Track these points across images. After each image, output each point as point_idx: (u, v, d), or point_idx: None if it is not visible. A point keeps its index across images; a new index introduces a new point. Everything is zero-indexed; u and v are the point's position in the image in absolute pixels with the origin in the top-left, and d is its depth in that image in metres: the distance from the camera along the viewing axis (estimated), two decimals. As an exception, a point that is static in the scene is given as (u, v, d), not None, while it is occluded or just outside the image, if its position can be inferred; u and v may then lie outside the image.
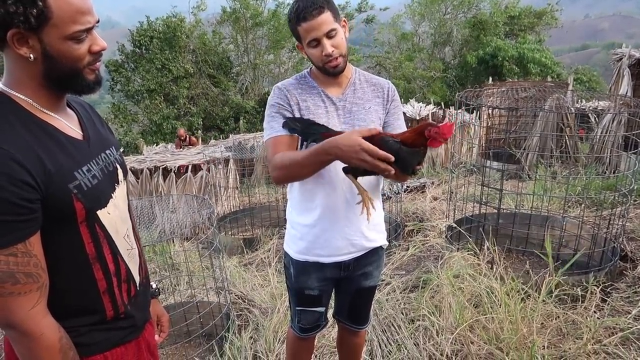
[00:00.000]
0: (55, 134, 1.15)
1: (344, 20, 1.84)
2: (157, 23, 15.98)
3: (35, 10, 1.02)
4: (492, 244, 3.31)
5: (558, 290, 2.94)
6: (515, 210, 4.26)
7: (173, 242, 5.31)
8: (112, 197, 1.26)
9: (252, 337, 3.32)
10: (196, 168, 6.58)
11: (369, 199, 1.67)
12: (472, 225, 3.94)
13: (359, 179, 1.68)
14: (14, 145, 1.04)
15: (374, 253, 2.01)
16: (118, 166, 1.33)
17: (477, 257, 3.34)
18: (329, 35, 1.75)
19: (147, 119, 15.22)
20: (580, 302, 2.99)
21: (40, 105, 1.14)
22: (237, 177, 7.17)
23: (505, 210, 4.16)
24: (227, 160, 7.41)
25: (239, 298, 3.86)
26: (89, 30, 1.11)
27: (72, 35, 1.08)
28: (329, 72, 1.82)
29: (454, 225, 3.84)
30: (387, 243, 2.10)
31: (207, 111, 15.32)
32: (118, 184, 1.31)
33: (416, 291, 3.45)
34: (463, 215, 4.21)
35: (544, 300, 2.82)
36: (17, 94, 1.12)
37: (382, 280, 3.78)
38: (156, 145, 9.53)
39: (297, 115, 1.88)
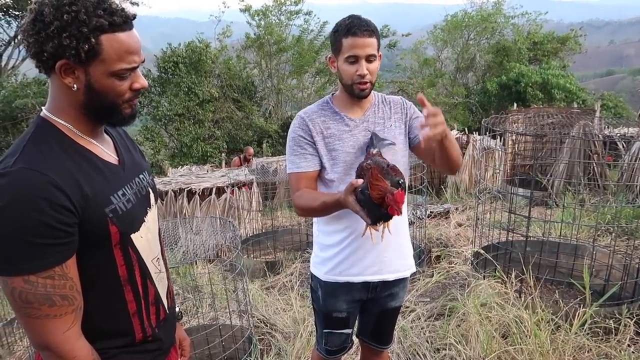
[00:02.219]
0: (93, 159, 1.19)
1: (380, 55, 1.91)
2: (180, 49, 16.39)
3: (87, 46, 1.07)
4: (520, 272, 3.24)
5: (590, 322, 2.85)
6: (543, 238, 4.17)
7: (196, 263, 5.34)
8: (144, 221, 1.28)
9: (274, 362, 3.29)
10: (220, 191, 6.65)
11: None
12: (499, 252, 3.86)
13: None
14: (54, 170, 1.07)
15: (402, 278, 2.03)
16: (150, 190, 1.36)
17: (505, 286, 3.27)
18: (369, 59, 1.81)
19: (177, 141, 15.50)
20: (613, 335, 2.89)
21: (80, 131, 1.18)
22: (260, 200, 7.21)
23: (532, 238, 4.08)
24: (250, 183, 7.48)
25: (261, 322, 3.84)
26: (133, 69, 1.16)
27: (117, 72, 1.12)
28: (354, 93, 1.86)
29: (481, 252, 3.78)
30: (413, 269, 2.11)
31: (231, 134, 15.56)
32: (150, 207, 1.34)
33: (441, 319, 3.38)
34: (489, 242, 4.14)
35: (575, 332, 2.74)
36: (58, 119, 1.16)
37: (407, 307, 3.73)
38: (181, 168, 9.68)
39: (320, 144, 1.92)
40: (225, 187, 6.63)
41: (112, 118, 1.21)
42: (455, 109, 18.58)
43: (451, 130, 8.56)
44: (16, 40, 14.96)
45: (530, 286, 3.20)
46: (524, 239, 3.71)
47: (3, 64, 14.92)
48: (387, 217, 1.57)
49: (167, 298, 1.39)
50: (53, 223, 1.04)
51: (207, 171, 8.43)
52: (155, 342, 1.33)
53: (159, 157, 15.39)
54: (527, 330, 2.71)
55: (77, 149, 1.17)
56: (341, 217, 1.91)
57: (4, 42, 14.90)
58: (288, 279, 4.89)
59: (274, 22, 17.98)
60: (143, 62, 1.19)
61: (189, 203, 6.56)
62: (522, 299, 3.05)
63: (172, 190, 6.60)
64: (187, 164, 11.46)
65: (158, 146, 15.93)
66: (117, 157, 1.28)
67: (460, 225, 5.59)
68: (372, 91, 1.97)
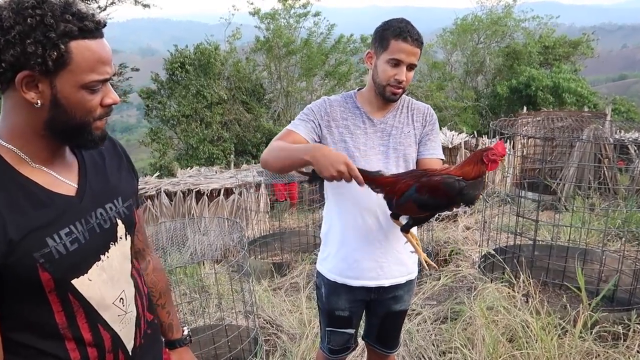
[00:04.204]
0: (35, 193, 1.03)
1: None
2: (187, 50, 16.47)
3: (55, 54, 0.94)
4: (528, 277, 3.22)
5: (598, 327, 2.82)
6: (551, 242, 4.14)
7: (204, 264, 5.36)
8: (99, 260, 1.12)
9: (279, 363, 3.29)
10: (228, 192, 6.68)
11: (425, 257, 1.74)
12: (506, 256, 3.84)
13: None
14: None
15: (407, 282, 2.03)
16: (119, 221, 1.18)
17: (512, 289, 3.24)
18: (411, 66, 1.83)
19: (184, 142, 15.58)
20: (622, 341, 2.85)
21: (30, 157, 1.03)
22: (268, 201, 7.23)
23: (541, 242, 4.05)
24: (258, 185, 7.50)
25: (267, 323, 3.85)
26: (104, 82, 1.03)
27: (88, 84, 1.00)
28: (384, 95, 1.87)
29: (488, 255, 3.76)
30: (417, 272, 2.11)
31: (240, 136, 15.61)
32: (116, 242, 1.17)
33: (448, 322, 3.37)
34: (497, 246, 4.12)
35: (583, 337, 2.71)
36: (4, 143, 1.01)
37: (413, 310, 3.71)
38: (190, 169, 9.73)
39: (333, 130, 1.93)
40: (234, 188, 6.66)
41: (80, 139, 1.06)
42: (465, 113, 18.51)
43: (459, 133, 8.53)
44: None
45: (537, 290, 3.18)
46: (532, 242, 3.69)
47: None
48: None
49: (135, 338, 1.22)
50: None
51: (216, 172, 8.48)
52: None
53: (167, 159, 15.48)
54: (534, 335, 2.69)
55: (18, 182, 1.01)
56: (348, 212, 1.94)
57: None
58: (295, 280, 4.90)
59: (282, 24, 18.04)
60: (114, 75, 1.07)
61: (197, 204, 6.60)
62: (529, 303, 3.02)
63: (180, 191, 6.64)
64: (193, 166, 11.50)
65: (163, 148, 16.01)
66: (76, 185, 1.11)
67: (468, 228, 5.57)
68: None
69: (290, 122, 2.06)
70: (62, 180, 1.09)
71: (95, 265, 1.10)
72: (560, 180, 6.17)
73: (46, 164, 1.07)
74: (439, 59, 21.62)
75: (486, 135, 8.39)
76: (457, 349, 2.82)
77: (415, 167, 1.93)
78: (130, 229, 1.23)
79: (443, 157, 1.97)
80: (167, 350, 1.46)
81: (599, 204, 5.52)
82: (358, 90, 2.02)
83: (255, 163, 12.58)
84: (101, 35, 1.02)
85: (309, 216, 6.68)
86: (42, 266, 1.00)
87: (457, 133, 8.50)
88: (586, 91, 17.35)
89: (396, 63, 1.80)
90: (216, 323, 3.71)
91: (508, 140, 6.89)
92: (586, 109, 11.93)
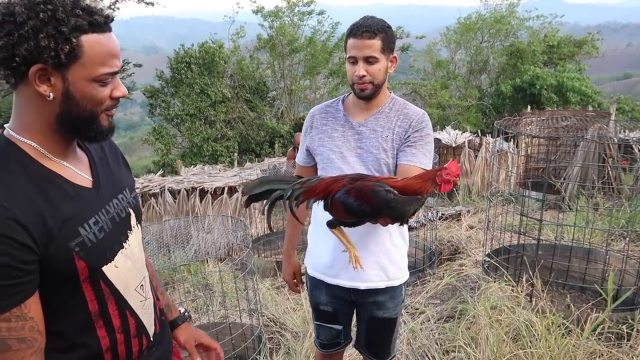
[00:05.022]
0: (62, 184, 1.07)
1: (394, 57, 1.90)
2: (192, 49, 16.48)
3: (67, 47, 0.97)
4: (531, 276, 3.22)
5: (602, 327, 2.82)
6: (555, 241, 4.14)
7: (207, 262, 5.37)
8: (122, 248, 1.17)
9: (283, 361, 3.31)
10: (232, 190, 6.69)
11: (354, 253, 1.62)
12: (510, 255, 3.84)
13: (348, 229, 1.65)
14: (16, 203, 0.96)
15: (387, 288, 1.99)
16: (131, 211, 1.23)
17: (516, 289, 3.25)
18: (368, 60, 1.81)
19: (188, 140, 15.62)
20: (625, 341, 2.85)
21: (49, 151, 1.06)
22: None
23: (544, 242, 4.05)
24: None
25: (270, 321, 3.86)
26: (114, 74, 1.07)
27: (98, 77, 1.03)
28: (355, 93, 1.90)
29: (492, 254, 3.76)
30: (405, 281, 2.05)
31: (243, 135, 15.64)
32: (131, 230, 1.22)
33: (451, 321, 3.37)
34: (500, 245, 4.12)
35: (587, 337, 2.71)
36: (24, 139, 1.04)
37: (416, 309, 3.72)
38: (193, 167, 9.76)
39: (314, 138, 1.99)
40: (237, 187, 6.67)
41: (89, 131, 1.09)
42: (468, 111, 18.47)
43: (463, 132, 8.52)
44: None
45: (541, 290, 3.18)
46: (536, 242, 3.68)
47: None
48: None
49: (154, 324, 1.28)
50: (11, 263, 0.94)
51: (220, 170, 8.49)
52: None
53: (171, 157, 15.51)
54: (538, 334, 2.69)
55: (44, 174, 1.04)
56: (319, 214, 1.92)
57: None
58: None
59: (286, 23, 18.03)
60: (122, 68, 1.10)
61: (201, 202, 6.62)
62: (533, 302, 3.03)
63: (184, 189, 6.66)
64: (197, 164, 11.53)
65: (167, 146, 16.05)
66: (91, 179, 1.15)
67: (471, 227, 5.57)
68: (391, 97, 1.97)
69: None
70: (79, 173, 1.13)
71: (120, 252, 1.16)
72: (564, 179, 6.16)
73: (64, 158, 1.10)
74: (443, 58, 21.56)
75: (490, 135, 8.38)
76: (461, 348, 2.83)
77: (392, 174, 1.89)
78: (139, 218, 1.28)
79: (426, 167, 1.84)
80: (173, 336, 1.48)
81: (602, 204, 5.51)
82: (349, 94, 2.03)
83: (258, 161, 12.60)
84: (109, 30, 1.05)
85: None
86: (78, 254, 1.04)
87: (460, 132, 8.49)
88: (590, 90, 17.29)
89: (353, 60, 1.83)
90: (220, 321, 3.73)
91: (512, 139, 6.89)
92: (590, 108, 11.89)
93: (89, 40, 1.00)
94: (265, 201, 1.56)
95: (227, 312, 3.98)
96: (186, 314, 1.52)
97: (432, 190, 1.43)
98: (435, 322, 3.42)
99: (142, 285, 1.24)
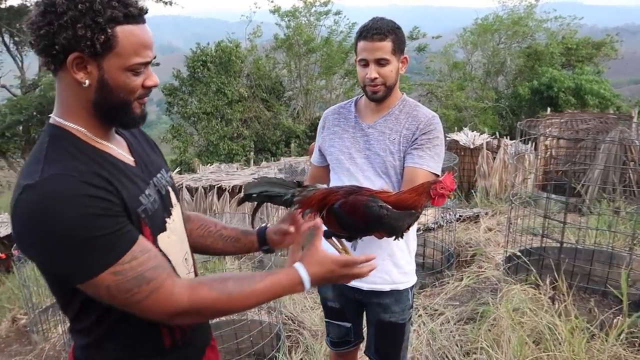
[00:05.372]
0: (114, 161, 1.13)
1: (405, 58, 1.89)
2: (209, 48, 16.57)
3: (103, 37, 1.02)
4: (555, 279, 3.19)
5: (626, 332, 2.78)
6: (576, 245, 4.09)
7: (225, 259, 5.40)
8: (169, 221, 1.23)
9: (302, 359, 3.32)
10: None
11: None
12: (531, 258, 3.81)
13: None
14: (82, 172, 1.03)
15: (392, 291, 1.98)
16: (170, 189, 1.30)
17: (538, 291, 3.22)
18: (379, 62, 1.81)
19: (205, 139, 15.72)
20: (650, 346, 2.81)
21: (94, 134, 1.12)
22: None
23: (566, 245, 4.00)
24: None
25: (288, 319, 3.88)
26: (146, 64, 1.11)
27: (131, 66, 1.07)
28: (367, 95, 1.90)
29: (513, 257, 3.73)
30: (411, 285, 2.02)
31: (259, 134, 15.70)
32: (172, 207, 1.28)
33: (472, 323, 3.35)
34: (521, 247, 4.08)
35: (612, 342, 2.68)
36: (70, 124, 1.10)
37: (435, 310, 3.70)
38: (210, 165, 9.82)
39: (325, 138, 2.01)
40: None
41: (123, 118, 1.14)
42: (485, 113, 18.31)
43: (481, 134, 8.45)
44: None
45: (563, 293, 3.15)
46: (557, 245, 3.65)
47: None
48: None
49: None
50: (108, 212, 1.02)
51: (237, 169, 8.54)
52: (186, 346, 1.28)
53: (188, 155, 15.64)
54: (561, 338, 2.67)
55: (97, 152, 1.11)
56: None
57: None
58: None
59: (303, 22, 18.05)
60: (154, 58, 1.14)
61: (219, 200, 6.66)
62: (556, 306, 3.00)
63: (202, 187, 6.71)
64: (213, 162, 11.61)
65: (184, 144, 16.17)
66: (132, 158, 1.22)
67: (490, 229, 5.52)
68: (402, 98, 1.96)
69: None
70: (122, 154, 1.19)
71: (167, 224, 1.22)
72: (585, 182, 6.08)
73: (108, 141, 1.16)
74: (460, 59, 21.41)
75: (508, 137, 8.31)
76: (482, 350, 2.81)
77: (399, 177, 1.89)
78: (177, 196, 1.34)
79: (434, 171, 1.83)
80: None
81: (624, 208, 5.43)
82: (362, 96, 2.03)
83: (274, 160, 12.63)
84: (143, 21, 1.09)
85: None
86: (144, 221, 1.12)
87: (478, 134, 8.42)
88: (609, 93, 17.04)
89: (364, 63, 1.83)
90: (239, 318, 3.75)
91: (530, 142, 6.83)
92: (611, 111, 11.72)
93: (123, 31, 1.04)
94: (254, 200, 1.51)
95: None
96: (263, 225, 1.52)
97: (426, 204, 1.40)
98: (455, 324, 3.41)
99: (186, 258, 1.30)
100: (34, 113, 12.25)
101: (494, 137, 8.36)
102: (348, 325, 2.15)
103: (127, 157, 1.20)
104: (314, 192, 1.48)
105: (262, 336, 3.57)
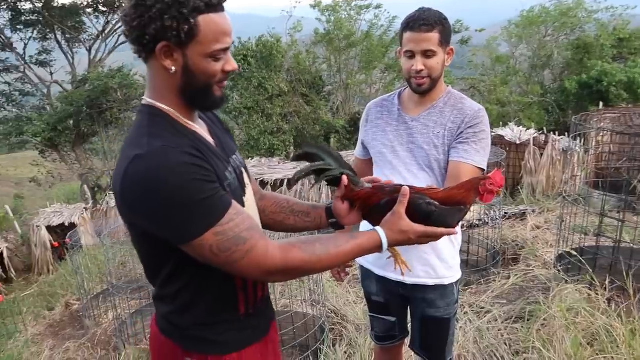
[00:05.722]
0: (202, 140, 1.24)
1: (452, 49, 1.84)
2: (250, 43, 16.74)
3: (186, 27, 1.10)
4: (611, 280, 3.07)
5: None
6: (633, 245, 3.92)
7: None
8: (245, 199, 1.32)
9: (346, 352, 3.32)
10: (290, 182, 6.77)
11: (402, 258, 1.53)
12: (584, 257, 3.68)
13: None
14: (184, 145, 1.14)
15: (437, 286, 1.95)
16: (243, 169, 1.39)
17: (595, 292, 3.10)
18: (426, 54, 1.77)
19: (246, 134, 15.93)
20: None
21: (182, 115, 1.22)
22: (330, 192, 7.28)
23: (622, 244, 3.85)
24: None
25: (332, 312, 3.89)
26: (226, 50, 1.18)
27: (212, 53, 1.15)
28: (412, 87, 1.86)
29: (565, 255, 3.61)
30: (456, 280, 1.98)
31: (299, 129, 15.76)
32: (246, 186, 1.37)
33: (520, 322, 3.28)
34: (573, 246, 3.94)
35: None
36: (162, 105, 1.20)
37: (482, 308, 3.64)
38: (251, 159, 9.95)
39: (368, 132, 2.00)
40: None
41: (205, 101, 1.23)
42: (530, 109, 17.75)
43: (527, 130, 8.20)
44: (103, 35, 15.94)
45: (622, 294, 3.02)
46: (613, 244, 3.51)
47: (92, 56, 15.97)
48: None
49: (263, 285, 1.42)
50: (207, 178, 1.12)
51: (279, 163, 8.61)
52: (256, 317, 1.36)
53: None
54: (620, 340, 2.57)
55: (188, 131, 1.22)
56: None
57: (93, 37, 15.93)
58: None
59: (343, 17, 17.96)
60: (233, 43, 1.22)
61: (261, 193, 6.74)
62: (613, 307, 2.88)
63: (245, 180, 6.81)
64: (254, 157, 11.75)
65: (228, 138, 16.40)
66: (212, 139, 1.31)
67: (538, 227, 5.36)
68: (447, 91, 1.91)
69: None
70: (206, 134, 1.29)
71: (244, 201, 1.31)
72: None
73: (193, 121, 1.26)
74: (503, 52, 20.82)
75: (557, 132, 8.02)
76: (534, 349, 2.74)
77: (443, 171, 1.86)
78: (249, 177, 1.43)
79: (480, 166, 1.79)
80: None
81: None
82: (405, 88, 1.99)
83: (314, 155, 12.63)
84: (223, 9, 1.16)
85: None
86: (230, 195, 1.20)
87: (525, 129, 8.18)
88: (666, 87, 16.18)
89: (410, 55, 1.79)
90: (282, 310, 3.79)
91: (580, 138, 6.58)
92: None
93: (205, 19, 1.12)
94: (305, 167, 1.47)
95: (288, 302, 4.04)
96: (328, 203, 1.54)
97: (474, 200, 1.36)
98: (502, 322, 3.34)
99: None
100: (84, 107, 12.71)
101: (540, 132, 8.10)
102: (393, 319, 2.14)
103: (209, 138, 1.29)
104: (360, 189, 1.45)
105: (306, 328, 3.60)
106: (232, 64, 1.21)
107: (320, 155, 1.43)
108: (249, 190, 1.37)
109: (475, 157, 1.79)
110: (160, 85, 1.19)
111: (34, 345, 5.09)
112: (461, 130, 1.81)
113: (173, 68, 1.14)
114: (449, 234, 1.33)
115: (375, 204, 1.41)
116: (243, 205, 1.28)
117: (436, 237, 1.33)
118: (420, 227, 1.29)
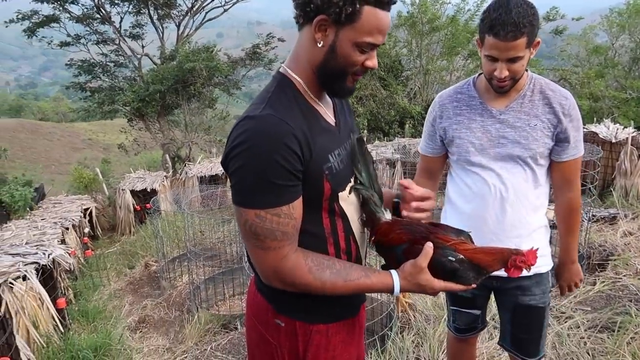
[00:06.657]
0: (318, 119, 1.27)
1: (538, 41, 1.65)
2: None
3: (350, 9, 1.13)
4: None
5: None
6: None
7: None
8: (351, 182, 1.33)
9: (414, 341, 3.28)
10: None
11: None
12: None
13: None
14: (293, 122, 1.16)
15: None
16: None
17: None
18: (512, 60, 1.60)
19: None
20: None
21: (310, 90, 1.26)
22: (404, 178, 7.15)
23: None
24: (394, 162, 7.41)
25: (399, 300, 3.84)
26: (373, 47, 1.20)
27: (361, 43, 1.17)
28: (494, 89, 1.72)
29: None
30: (551, 267, 1.91)
31: (373, 113, 15.54)
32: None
33: (606, 332, 3.05)
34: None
35: None
36: (295, 76, 1.25)
37: (562, 313, 3.43)
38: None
39: (447, 129, 1.85)
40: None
41: (335, 86, 1.25)
42: (627, 105, 16.38)
43: (624, 128, 7.54)
44: (192, 11, 16.50)
45: None
46: None
47: (180, 32, 16.63)
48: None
49: (364, 259, 1.43)
50: (288, 167, 1.14)
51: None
52: (349, 295, 1.32)
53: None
54: None
55: (308, 107, 1.25)
56: (467, 198, 1.87)
57: (183, 13, 16.55)
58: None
59: (428, 0, 17.39)
60: (383, 44, 1.22)
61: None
62: None
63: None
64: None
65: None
66: (334, 120, 1.34)
67: (630, 234, 4.95)
68: (530, 76, 1.76)
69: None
70: (327, 114, 1.32)
71: (348, 185, 1.32)
72: None
73: (319, 99, 1.30)
74: (601, 43, 19.26)
75: (660, 132, 7.31)
76: (622, 363, 2.54)
77: (539, 164, 1.77)
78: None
79: (583, 153, 1.78)
80: None
81: None
82: (479, 74, 1.83)
83: (387, 140, 12.49)
84: (388, 10, 1.19)
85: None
86: (326, 177, 1.23)
87: (622, 127, 7.52)
88: None
89: (492, 59, 1.62)
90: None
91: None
92: None
93: (368, 10, 1.14)
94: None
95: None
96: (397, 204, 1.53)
97: (498, 269, 1.29)
98: (585, 330, 3.13)
99: (362, 218, 1.40)
100: (172, 84, 13.30)
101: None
102: (478, 312, 2.07)
103: (330, 118, 1.32)
104: (381, 223, 1.37)
105: (374, 314, 3.58)
106: (373, 62, 1.22)
107: (361, 163, 1.36)
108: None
109: (580, 148, 1.77)
110: (302, 55, 1.24)
111: (116, 299, 5.47)
112: (564, 120, 1.70)
113: (321, 42, 1.18)
114: (465, 290, 1.30)
115: (392, 245, 1.33)
116: (345, 188, 1.29)
117: (452, 291, 1.33)
118: (439, 283, 1.26)
